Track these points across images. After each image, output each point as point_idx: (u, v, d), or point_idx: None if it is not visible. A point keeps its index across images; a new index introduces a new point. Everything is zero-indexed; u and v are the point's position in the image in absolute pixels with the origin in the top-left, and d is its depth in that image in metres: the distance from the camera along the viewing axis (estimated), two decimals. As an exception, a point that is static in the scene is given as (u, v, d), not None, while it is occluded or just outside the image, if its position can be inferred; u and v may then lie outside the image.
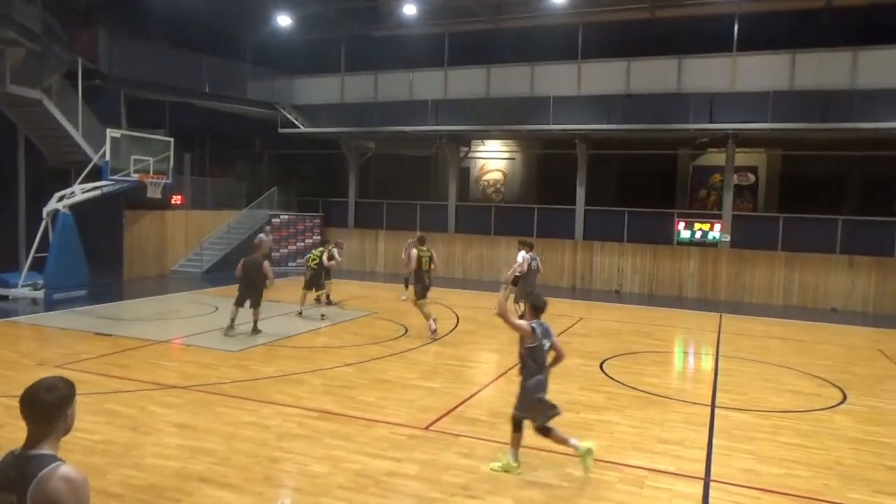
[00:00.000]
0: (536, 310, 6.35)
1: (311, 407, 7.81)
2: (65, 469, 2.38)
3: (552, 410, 6.08)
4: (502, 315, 6.11)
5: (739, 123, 18.27)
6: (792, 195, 21.60)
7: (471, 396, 8.52)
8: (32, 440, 2.43)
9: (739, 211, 20.72)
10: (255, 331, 11.80)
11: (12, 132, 16.89)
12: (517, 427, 6.12)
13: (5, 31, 13.29)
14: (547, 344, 6.16)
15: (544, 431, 6.08)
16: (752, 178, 23.07)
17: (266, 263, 11.77)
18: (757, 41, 18.23)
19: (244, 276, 11.69)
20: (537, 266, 13.65)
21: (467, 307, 15.88)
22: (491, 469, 6.10)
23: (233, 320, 11.69)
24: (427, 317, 12.05)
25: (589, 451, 6.03)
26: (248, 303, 11.74)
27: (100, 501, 5.05)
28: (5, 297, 14.81)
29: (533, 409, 6.06)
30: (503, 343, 12.02)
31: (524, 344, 6.10)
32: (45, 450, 2.42)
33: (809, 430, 7.60)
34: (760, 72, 18.26)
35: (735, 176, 20.36)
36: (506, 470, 6.05)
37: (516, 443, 6.12)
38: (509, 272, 13.47)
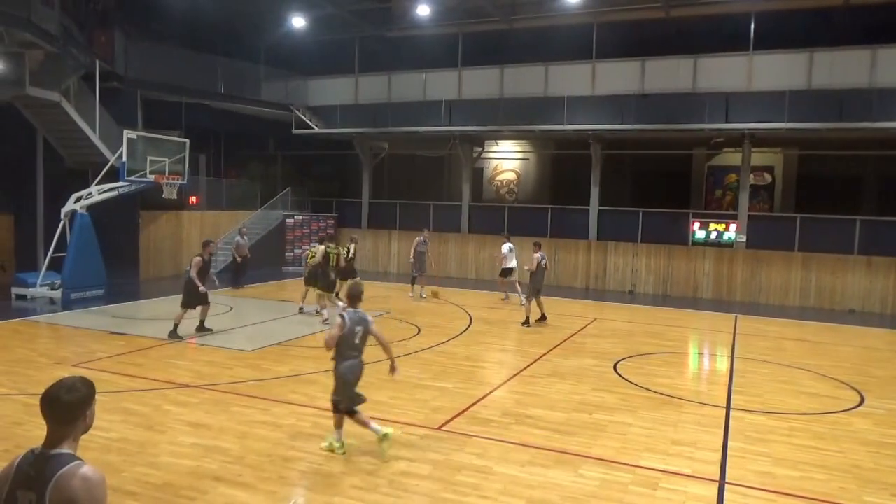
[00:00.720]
0: (352, 298, 6.66)
1: (324, 407, 7.82)
2: (83, 469, 2.40)
3: (359, 397, 6.49)
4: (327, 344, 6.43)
5: (755, 123, 18.11)
6: (809, 195, 21.38)
7: (483, 397, 8.51)
8: (52, 440, 2.46)
9: (755, 211, 20.54)
10: (202, 329, 11.69)
11: (31, 134, 17.11)
12: (336, 409, 6.48)
13: (24, 33, 13.46)
14: (360, 330, 6.45)
15: (350, 413, 6.43)
16: (768, 178, 22.87)
17: (194, 265, 11.58)
18: (773, 40, 18.05)
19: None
20: (545, 264, 14.08)
21: (480, 307, 15.87)
22: (320, 448, 6.46)
23: (176, 326, 11.38)
24: (322, 307, 13.15)
25: (386, 436, 6.29)
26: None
27: (116, 499, 5.11)
28: (24, 297, 15.00)
29: (342, 391, 6.42)
30: (516, 343, 12.02)
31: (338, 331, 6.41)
32: (65, 449, 2.45)
33: (826, 433, 7.52)
34: (777, 71, 18.08)
35: (751, 176, 20.17)
36: (330, 450, 6.40)
37: (339, 423, 6.47)
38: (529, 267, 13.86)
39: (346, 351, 6.43)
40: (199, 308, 11.66)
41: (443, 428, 7.24)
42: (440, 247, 21.61)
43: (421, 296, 17.04)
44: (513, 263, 16.52)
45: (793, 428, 7.66)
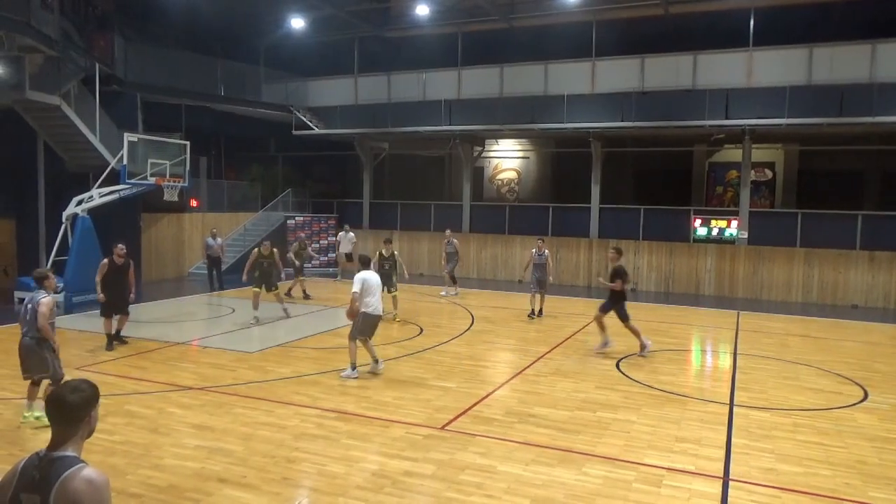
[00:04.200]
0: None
1: (327, 407, 7.85)
2: (87, 471, 2.41)
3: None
4: None
5: (756, 119, 18.09)
6: (810, 191, 21.39)
7: (486, 396, 8.51)
8: (57, 441, 2.47)
9: (757, 207, 20.53)
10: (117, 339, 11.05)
11: (32, 138, 17.12)
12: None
13: (24, 37, 13.48)
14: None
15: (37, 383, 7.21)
16: (769, 173, 22.86)
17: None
18: (773, 35, 18.02)
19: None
20: (539, 259, 14.52)
21: (482, 307, 15.87)
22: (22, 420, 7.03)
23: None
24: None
25: (39, 419, 6.88)
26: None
27: (120, 502, 5.11)
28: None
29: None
30: (518, 342, 12.02)
31: None
32: (69, 451, 2.45)
33: (830, 429, 7.51)
34: (777, 66, 18.05)
35: (752, 172, 20.16)
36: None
37: (33, 396, 7.22)
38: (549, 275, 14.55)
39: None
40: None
41: (446, 427, 7.24)
42: (442, 247, 21.57)
43: (442, 294, 17.38)
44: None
45: (797, 424, 7.65)
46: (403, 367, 9.95)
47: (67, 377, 2.63)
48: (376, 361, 9.41)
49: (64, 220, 15.48)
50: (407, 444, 6.70)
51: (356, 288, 9.00)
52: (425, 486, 5.72)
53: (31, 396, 7.22)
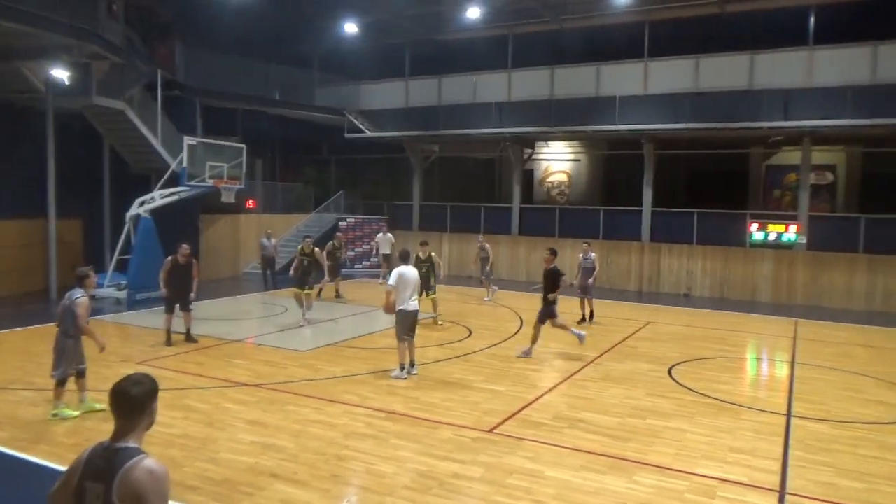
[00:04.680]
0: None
1: (376, 407, 7.95)
2: (148, 462, 2.51)
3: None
4: None
5: (816, 120, 17.45)
6: (873, 194, 20.46)
7: (535, 400, 8.47)
8: (119, 433, 2.58)
9: (817, 211, 19.80)
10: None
11: (98, 142, 17.88)
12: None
13: (91, 46, 14.07)
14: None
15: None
16: (830, 176, 22.01)
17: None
18: (834, 33, 17.38)
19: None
20: (586, 264, 14.35)
21: (531, 310, 15.73)
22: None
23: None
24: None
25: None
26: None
27: (178, 493, 5.30)
28: (92, 297, 15.61)
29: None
30: (567, 347, 11.90)
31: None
32: (131, 443, 2.56)
33: (894, 444, 7.21)
34: (838, 65, 17.39)
35: (812, 175, 19.48)
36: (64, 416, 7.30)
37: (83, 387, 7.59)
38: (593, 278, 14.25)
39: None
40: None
41: (494, 431, 7.24)
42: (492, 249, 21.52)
43: (485, 300, 17.29)
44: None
45: (857, 437, 7.36)
46: (452, 369, 9.99)
47: (130, 371, 2.75)
48: (412, 365, 9.44)
49: (127, 220, 16.12)
50: (455, 446, 6.73)
51: (392, 282, 9.15)
52: (473, 489, 5.74)
53: (81, 388, 7.56)
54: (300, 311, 13.36)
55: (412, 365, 9.46)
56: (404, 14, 21.65)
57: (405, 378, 9.20)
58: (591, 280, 14.07)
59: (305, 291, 13.39)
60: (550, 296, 10.78)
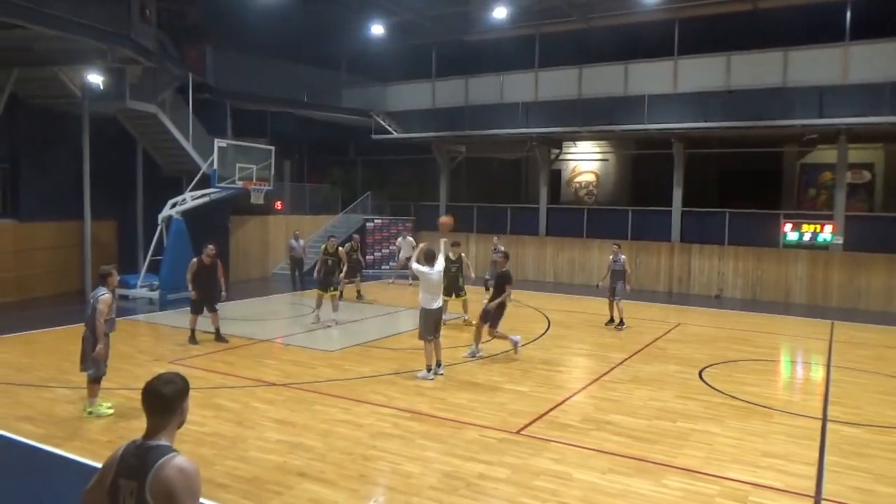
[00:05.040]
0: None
1: (403, 407, 7.97)
2: (179, 459, 2.54)
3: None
4: None
5: (852, 118, 17.05)
6: (914, 193, 19.95)
7: (562, 401, 8.41)
8: (152, 431, 2.62)
9: (853, 211, 19.35)
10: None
11: (132, 144, 18.23)
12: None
13: (125, 50, 14.36)
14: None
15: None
16: (867, 175, 21.49)
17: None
18: (871, 28, 16.95)
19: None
20: (615, 266, 13.92)
21: (558, 311, 15.69)
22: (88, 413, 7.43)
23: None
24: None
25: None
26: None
27: (208, 490, 5.36)
28: (126, 297, 15.99)
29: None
30: (594, 348, 11.82)
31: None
32: (163, 441, 2.60)
33: (934, 449, 7.01)
34: (875, 61, 16.94)
35: (848, 174, 19.02)
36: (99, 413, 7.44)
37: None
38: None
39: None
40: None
41: (521, 432, 7.21)
42: (517, 250, 21.48)
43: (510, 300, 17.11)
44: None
45: (895, 443, 7.17)
46: (478, 369, 9.97)
47: (161, 370, 2.80)
48: (438, 365, 9.41)
49: (159, 221, 16.41)
50: (480, 447, 6.71)
51: (414, 266, 9.44)
52: (499, 490, 5.72)
53: (92, 393, 7.52)
54: (316, 313, 13.35)
55: (438, 365, 9.44)
56: (431, 14, 21.68)
57: (432, 379, 9.20)
58: (621, 283, 13.58)
59: (330, 293, 13.40)
60: (491, 305, 10.54)
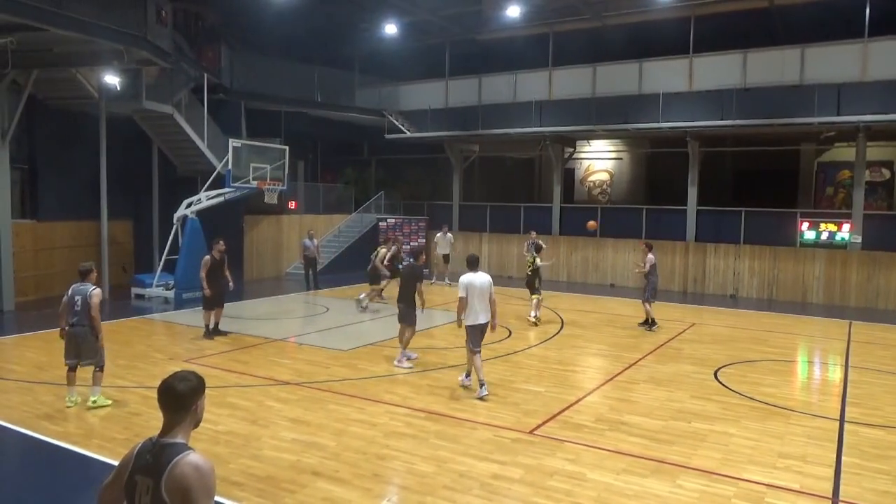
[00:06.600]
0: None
1: (417, 407, 7.97)
2: (194, 457, 2.56)
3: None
4: None
5: (871, 115, 16.82)
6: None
7: (576, 401, 8.38)
8: (167, 428, 2.64)
9: (872, 210, 19.10)
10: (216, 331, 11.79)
11: (148, 145, 18.40)
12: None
13: (142, 51, 14.46)
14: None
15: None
16: (886, 173, 21.23)
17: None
18: (892, 24, 16.71)
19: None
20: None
21: (572, 311, 15.62)
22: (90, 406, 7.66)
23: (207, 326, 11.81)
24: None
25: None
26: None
27: (223, 488, 5.40)
28: (142, 296, 16.15)
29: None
30: (609, 348, 11.75)
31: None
32: (179, 438, 2.62)
33: (956, 451, 6.89)
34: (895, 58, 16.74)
35: (867, 172, 18.78)
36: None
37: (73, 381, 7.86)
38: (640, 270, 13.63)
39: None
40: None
41: (534, 432, 7.18)
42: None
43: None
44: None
45: (916, 444, 7.07)
46: (492, 369, 9.94)
47: (177, 368, 2.82)
48: (481, 385, 8.37)
49: (175, 221, 16.53)
50: (494, 446, 6.70)
51: (462, 293, 8.45)
52: (513, 491, 5.70)
53: (71, 381, 7.80)
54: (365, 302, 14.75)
55: (481, 386, 8.39)
56: (444, 14, 21.66)
57: (468, 385, 8.77)
58: (647, 285, 13.28)
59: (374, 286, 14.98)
60: (401, 305, 10.14)
